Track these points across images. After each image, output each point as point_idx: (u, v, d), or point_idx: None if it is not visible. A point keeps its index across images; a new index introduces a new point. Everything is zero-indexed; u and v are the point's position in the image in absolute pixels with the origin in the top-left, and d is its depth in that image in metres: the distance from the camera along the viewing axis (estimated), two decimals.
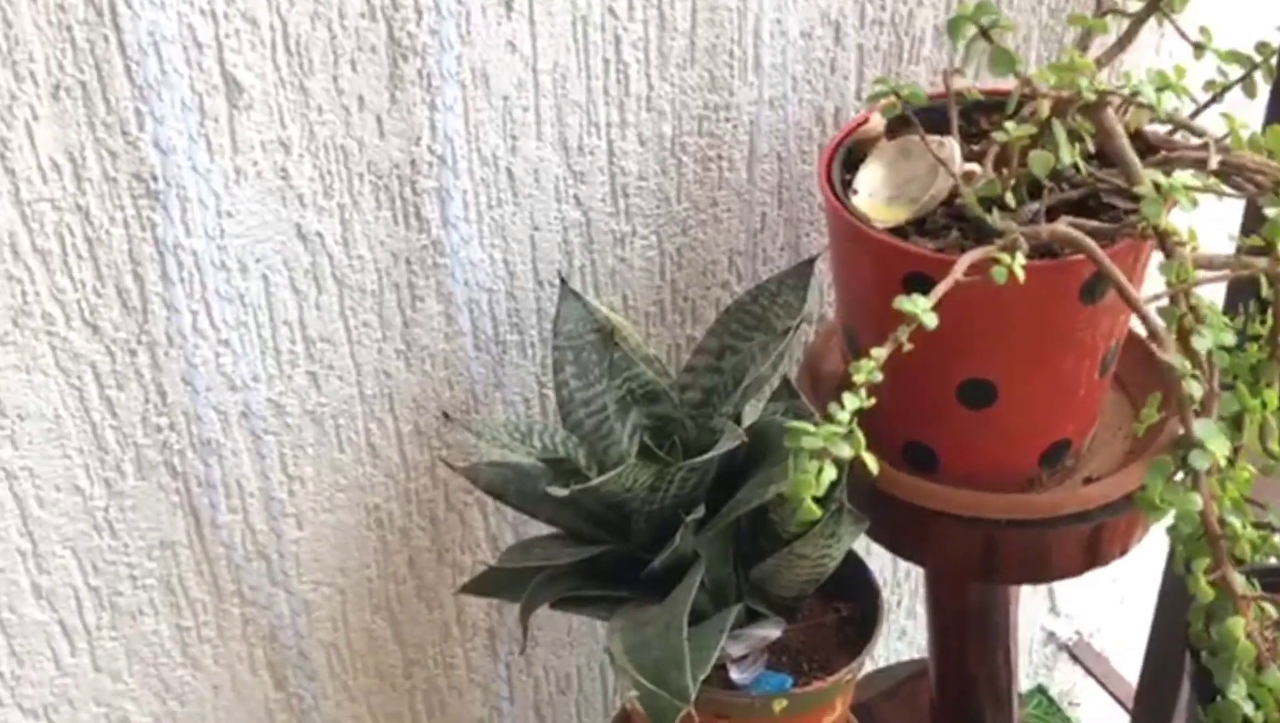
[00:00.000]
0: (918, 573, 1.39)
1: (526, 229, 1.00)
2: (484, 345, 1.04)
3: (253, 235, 0.91)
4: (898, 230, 0.87)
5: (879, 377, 0.73)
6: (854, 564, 1.02)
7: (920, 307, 0.73)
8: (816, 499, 0.72)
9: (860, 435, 0.72)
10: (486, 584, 0.99)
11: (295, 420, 1.00)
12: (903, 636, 1.48)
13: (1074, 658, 1.67)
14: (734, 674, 0.97)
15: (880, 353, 0.73)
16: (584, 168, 1.00)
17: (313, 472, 1.02)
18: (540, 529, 0.98)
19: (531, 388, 1.08)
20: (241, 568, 1.03)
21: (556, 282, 1.01)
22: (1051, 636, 1.66)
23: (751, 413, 1.00)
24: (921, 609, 1.42)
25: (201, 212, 0.88)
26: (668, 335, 1.12)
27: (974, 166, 0.87)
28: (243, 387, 0.96)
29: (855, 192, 0.90)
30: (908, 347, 0.73)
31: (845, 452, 0.72)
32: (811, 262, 0.98)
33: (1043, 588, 1.59)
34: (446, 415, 1.02)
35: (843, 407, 0.72)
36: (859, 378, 0.73)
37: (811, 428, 0.72)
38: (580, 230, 1.02)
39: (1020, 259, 0.75)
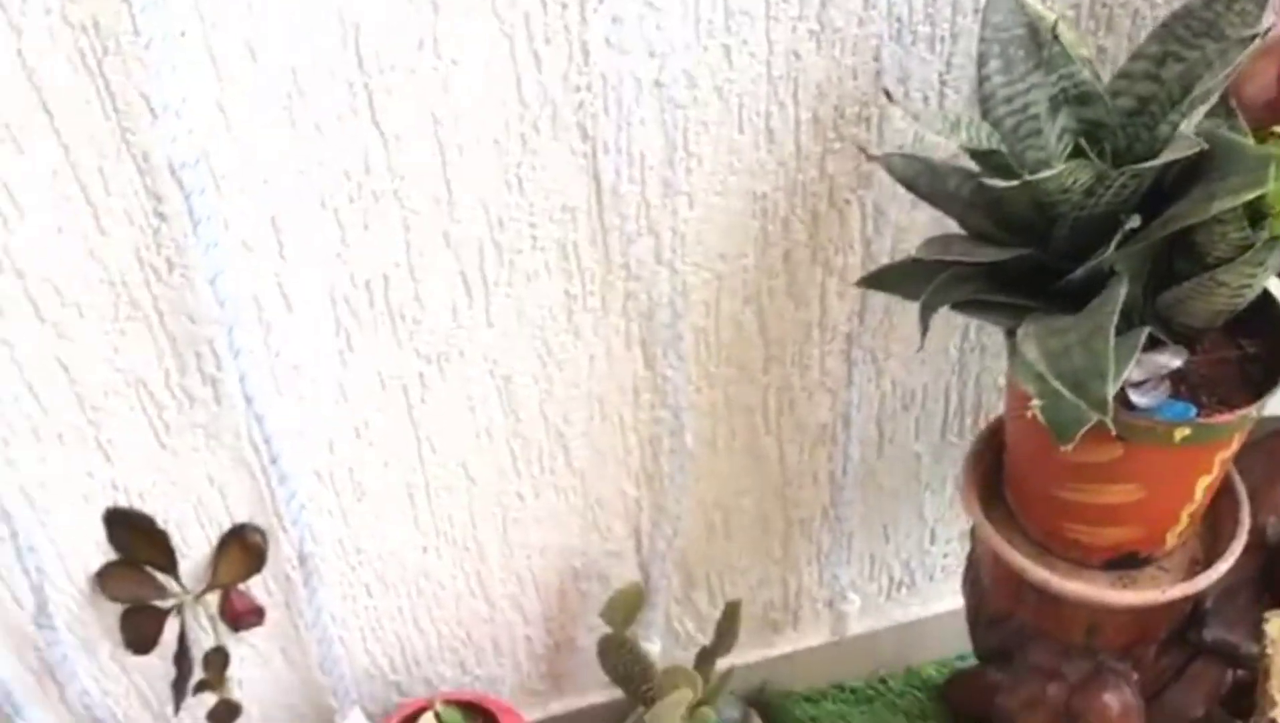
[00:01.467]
0: None
1: None
2: (897, 34, 0.99)
3: None
4: None
5: None
6: (1264, 302, 0.96)
7: None
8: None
9: None
10: (887, 278, 0.97)
11: (703, 95, 0.98)
12: None
13: None
14: (1135, 398, 0.94)
15: None
16: None
17: (710, 151, 1.01)
18: (915, 241, 0.95)
19: (934, 86, 1.03)
20: (632, 241, 1.04)
21: None
22: None
23: (1187, 127, 0.94)
24: None
25: None
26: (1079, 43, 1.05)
27: None
28: (660, 54, 0.94)
29: None
30: None
31: None
32: None
33: None
34: (888, 94, 0.99)
35: None
36: None
37: None
38: None
39: None
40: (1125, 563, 1.01)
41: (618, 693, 1.26)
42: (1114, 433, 0.91)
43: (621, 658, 1.21)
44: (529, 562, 1.23)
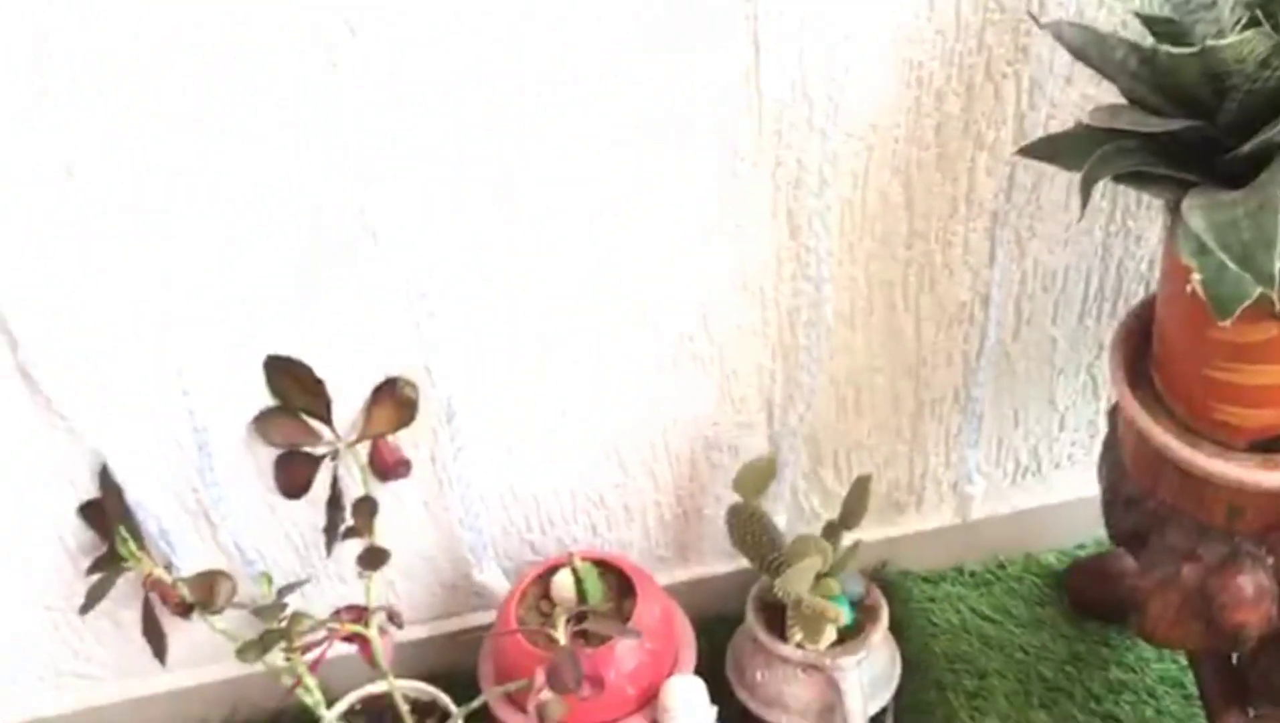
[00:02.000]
0: None
1: None
2: None
3: None
4: None
5: None
6: None
7: None
8: None
9: None
10: (1048, 148, 0.97)
11: None
12: None
13: None
14: None
15: None
16: None
17: (870, 15, 1.00)
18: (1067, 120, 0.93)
19: None
20: (786, 107, 1.04)
21: None
22: None
23: None
24: None
25: None
26: None
27: None
28: None
29: None
30: None
31: None
32: None
33: None
34: None
35: None
36: None
37: None
38: None
39: None
40: (1272, 446, 1.01)
41: (740, 563, 1.29)
42: (1276, 308, 0.91)
43: (750, 527, 1.23)
44: (664, 430, 1.25)
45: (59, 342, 1.03)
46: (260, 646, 1.04)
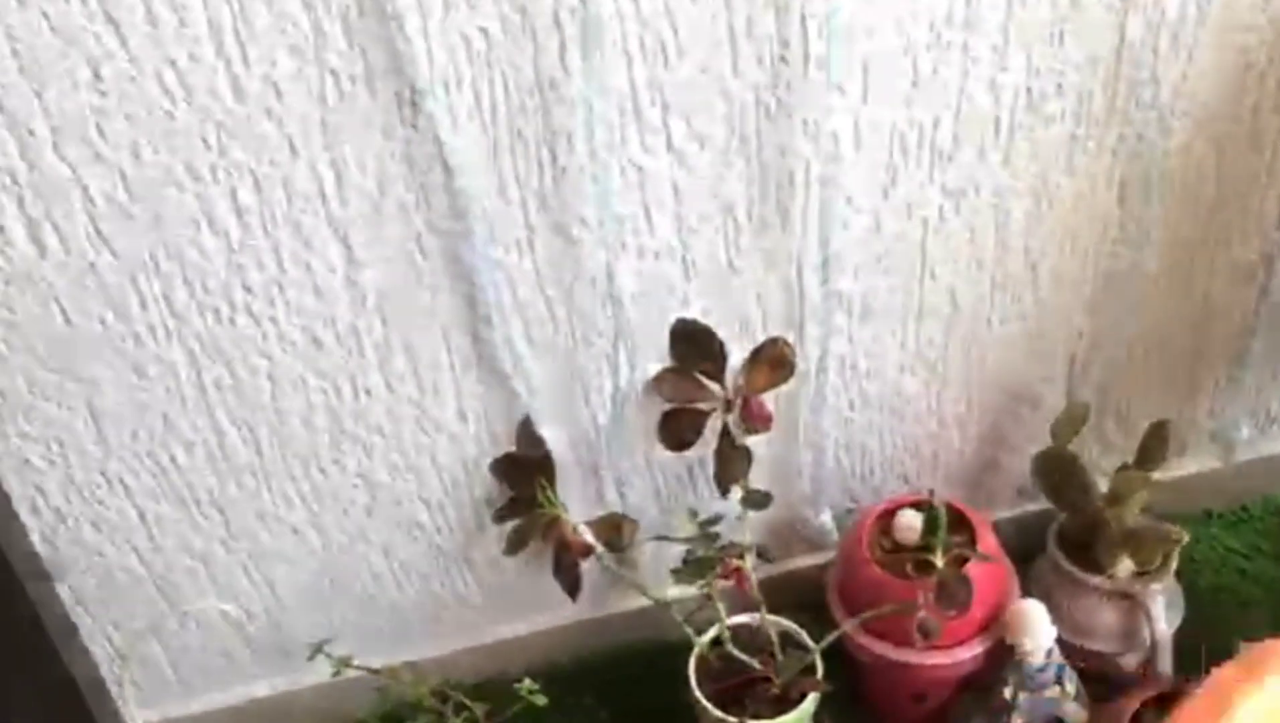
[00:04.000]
0: None
1: None
2: None
3: None
4: None
5: None
6: None
7: None
8: None
9: None
10: None
11: None
12: None
13: None
14: None
15: None
16: None
17: (1218, 5, 1.15)
18: None
19: None
20: (1135, 88, 1.18)
21: None
22: None
23: None
24: None
25: None
26: None
27: None
28: None
29: None
30: None
31: None
32: None
33: None
34: None
35: None
36: None
37: None
38: None
39: None
40: None
41: (1025, 507, 1.44)
42: None
43: (1061, 470, 1.38)
44: (980, 383, 1.39)
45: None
46: (698, 568, 1.18)
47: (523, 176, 1.09)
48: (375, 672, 1.27)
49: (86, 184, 1.00)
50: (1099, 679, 1.37)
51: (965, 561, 1.27)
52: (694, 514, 1.26)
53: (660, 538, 1.27)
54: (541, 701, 1.23)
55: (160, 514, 1.22)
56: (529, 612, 1.43)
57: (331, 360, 1.16)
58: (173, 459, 1.18)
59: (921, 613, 1.24)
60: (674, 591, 1.29)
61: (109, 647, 1.29)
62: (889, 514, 1.36)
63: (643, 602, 1.41)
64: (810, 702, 1.29)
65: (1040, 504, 1.50)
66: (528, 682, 1.23)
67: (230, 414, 1.16)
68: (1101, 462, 1.51)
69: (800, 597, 1.39)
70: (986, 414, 1.43)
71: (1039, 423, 1.43)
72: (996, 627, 1.32)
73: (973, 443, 1.46)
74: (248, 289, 1.09)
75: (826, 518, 1.43)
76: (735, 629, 1.33)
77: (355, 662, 1.26)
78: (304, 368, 1.15)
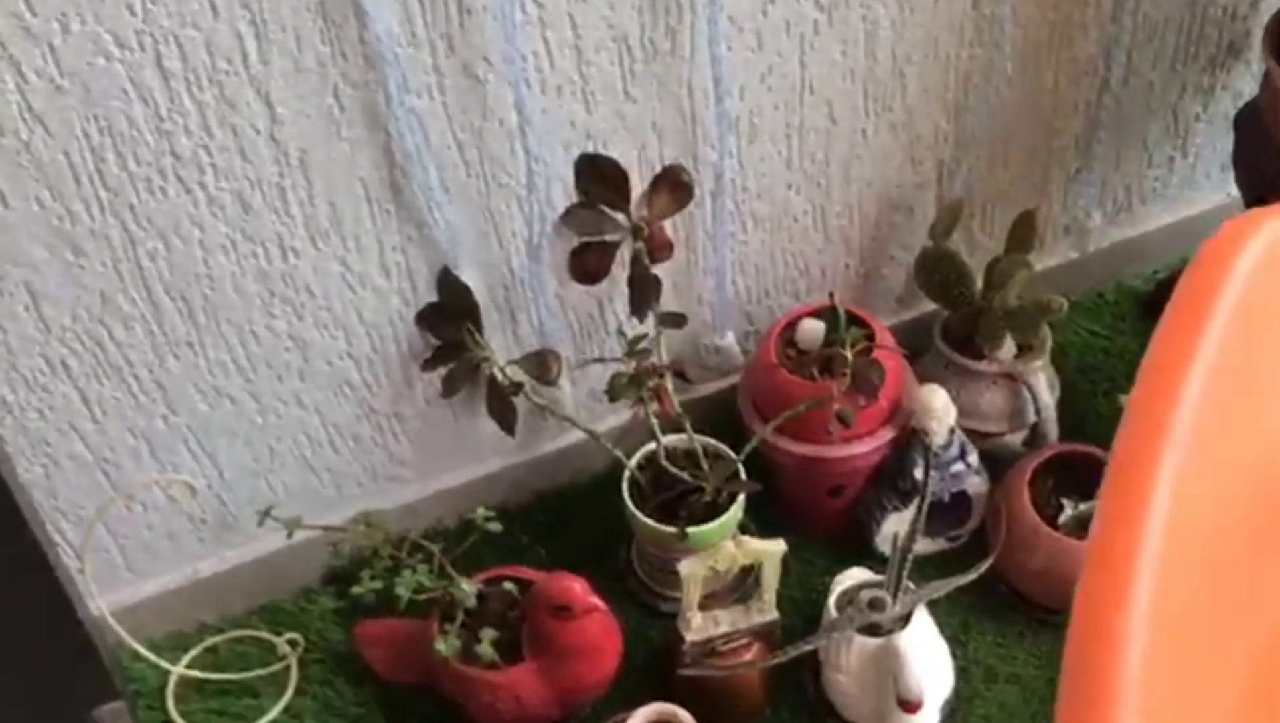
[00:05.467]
0: None
1: None
2: None
3: None
4: None
5: None
6: None
7: None
8: None
9: None
10: None
11: None
12: None
13: None
14: None
15: None
16: None
17: None
18: None
19: None
20: None
21: None
22: None
23: None
24: None
25: None
26: None
27: None
28: None
29: None
30: None
31: None
32: None
33: None
34: None
35: None
36: None
37: None
38: None
39: None
40: None
41: (905, 315, 1.55)
42: None
43: (941, 267, 1.49)
44: (859, 195, 1.49)
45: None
46: (632, 383, 1.26)
47: (430, 19, 1.13)
48: (331, 528, 1.32)
49: (19, 61, 1.00)
50: (990, 459, 1.49)
51: (871, 350, 1.37)
52: (623, 335, 1.33)
53: (596, 361, 1.34)
54: (497, 527, 1.29)
55: (102, 395, 1.23)
56: (461, 462, 1.48)
57: (260, 222, 1.19)
58: (111, 336, 1.20)
59: (836, 406, 1.33)
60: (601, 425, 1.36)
61: (63, 539, 1.31)
62: (790, 326, 1.45)
63: (569, 439, 1.49)
64: (739, 505, 1.38)
65: (918, 310, 1.61)
66: (481, 510, 1.29)
67: (166, 286, 1.18)
68: (971, 261, 1.62)
69: (711, 420, 1.48)
70: (867, 226, 1.53)
71: (914, 230, 1.54)
72: (900, 416, 1.43)
73: (856, 256, 1.55)
74: (176, 156, 1.11)
75: (730, 341, 1.51)
76: (660, 449, 1.41)
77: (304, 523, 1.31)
78: (233, 232, 1.18)
